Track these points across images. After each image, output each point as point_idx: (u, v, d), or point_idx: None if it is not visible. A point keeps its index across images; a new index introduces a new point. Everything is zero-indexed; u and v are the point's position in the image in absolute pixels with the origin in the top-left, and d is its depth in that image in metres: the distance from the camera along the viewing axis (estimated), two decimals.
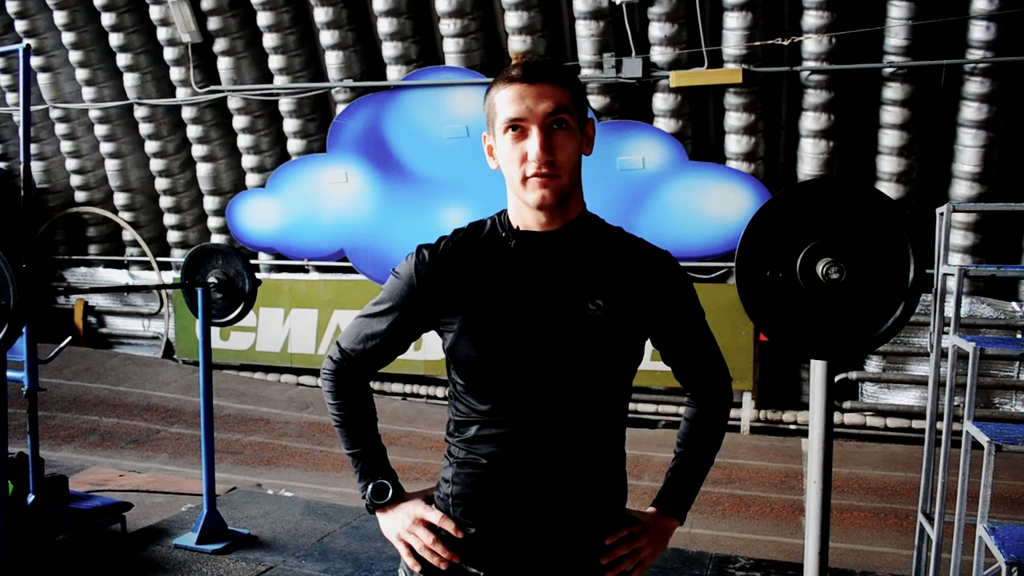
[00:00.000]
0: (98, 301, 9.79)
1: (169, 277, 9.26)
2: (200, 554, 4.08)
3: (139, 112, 8.98)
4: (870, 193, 2.33)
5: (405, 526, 1.56)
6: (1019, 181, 6.76)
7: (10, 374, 3.53)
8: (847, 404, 7.19)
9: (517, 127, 1.45)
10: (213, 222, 9.23)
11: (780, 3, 6.83)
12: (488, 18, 7.69)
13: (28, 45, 4.04)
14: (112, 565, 4.02)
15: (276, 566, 3.99)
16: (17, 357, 3.78)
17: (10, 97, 9.59)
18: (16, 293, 3.10)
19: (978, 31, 6.33)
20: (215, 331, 6.92)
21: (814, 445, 2.46)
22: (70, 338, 4.87)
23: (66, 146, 9.47)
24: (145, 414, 7.52)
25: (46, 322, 8.50)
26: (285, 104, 8.41)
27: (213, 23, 8.25)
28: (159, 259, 9.51)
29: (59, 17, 8.74)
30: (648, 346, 1.60)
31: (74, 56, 8.97)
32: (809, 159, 6.99)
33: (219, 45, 8.37)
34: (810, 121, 6.90)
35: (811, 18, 6.62)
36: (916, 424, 6.84)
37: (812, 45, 6.69)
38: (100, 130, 9.23)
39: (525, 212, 1.51)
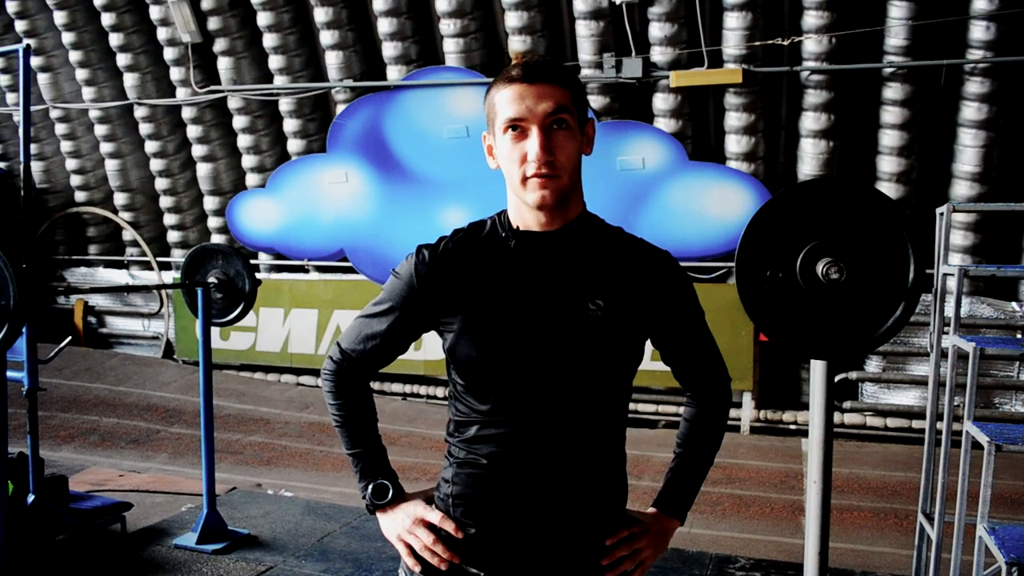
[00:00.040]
0: (98, 301, 9.79)
1: (169, 277, 9.27)
2: (200, 554, 4.08)
3: (139, 112, 8.98)
4: (870, 193, 2.32)
5: (405, 526, 1.56)
6: (1019, 181, 6.76)
7: (10, 374, 3.53)
8: (847, 404, 7.19)
9: (517, 127, 1.45)
10: (213, 222, 9.23)
11: (780, 3, 6.83)
12: (488, 18, 7.69)
13: (28, 45, 4.04)
14: (112, 565, 4.02)
15: (276, 566, 3.99)
16: (17, 357, 3.78)
17: (10, 97, 9.59)
18: (16, 293, 3.10)
19: (978, 31, 6.33)
20: (215, 331, 6.92)
21: (814, 445, 2.46)
22: (70, 338, 4.87)
23: (66, 146, 9.47)
24: (145, 414, 7.52)
25: (46, 322, 8.50)
26: (285, 104, 8.41)
27: (213, 23, 8.25)
28: (159, 259, 9.51)
29: (59, 17, 8.74)
30: (648, 346, 1.60)
31: (74, 56, 8.97)
32: (809, 159, 6.99)
33: (219, 45, 8.37)
34: (810, 121, 6.90)
35: (811, 18, 6.62)
36: (916, 424, 6.84)
37: (812, 45, 6.69)
38: (100, 130, 9.23)
39: (525, 212, 1.51)
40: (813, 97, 6.83)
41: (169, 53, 8.58)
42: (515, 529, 1.50)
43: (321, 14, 7.86)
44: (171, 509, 4.77)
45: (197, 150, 8.95)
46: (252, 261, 8.67)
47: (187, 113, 8.76)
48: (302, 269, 8.84)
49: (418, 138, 8.08)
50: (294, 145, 8.60)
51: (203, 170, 9.00)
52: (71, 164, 9.55)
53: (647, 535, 1.58)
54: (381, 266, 8.15)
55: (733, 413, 7.05)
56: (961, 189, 6.73)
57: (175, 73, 8.66)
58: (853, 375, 7.18)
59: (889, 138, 6.77)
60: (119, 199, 9.53)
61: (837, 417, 7.06)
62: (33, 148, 8.85)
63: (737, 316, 6.34)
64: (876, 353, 7.02)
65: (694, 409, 1.68)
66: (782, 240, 2.30)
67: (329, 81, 8.24)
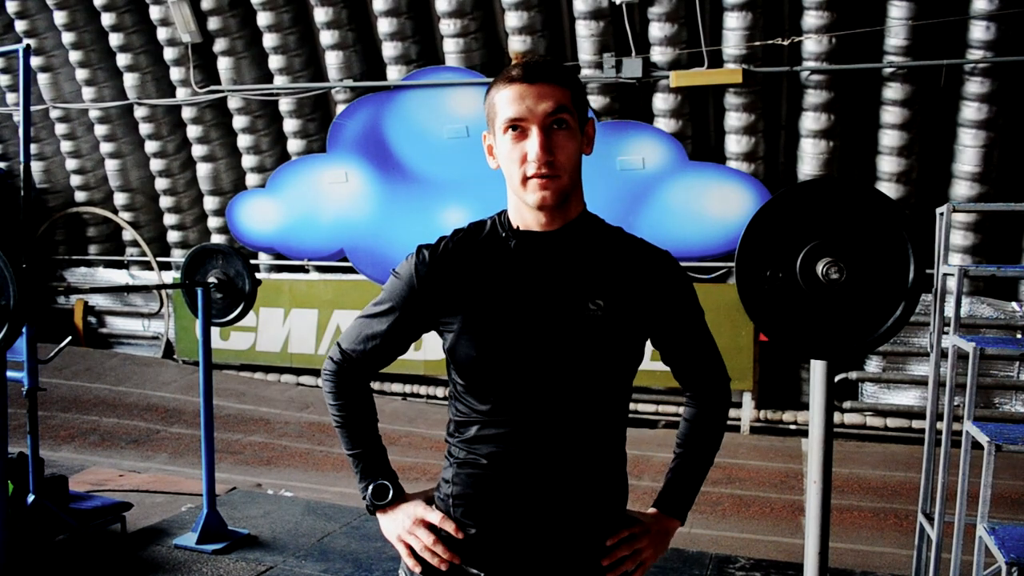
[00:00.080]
0: (98, 301, 9.79)
1: (169, 277, 9.27)
2: (200, 554, 4.08)
3: (139, 112, 8.98)
4: (870, 193, 2.32)
5: (405, 527, 1.56)
6: (1019, 181, 6.76)
7: (10, 374, 3.53)
8: (847, 404, 7.19)
9: (517, 127, 1.45)
10: (213, 222, 9.23)
11: (780, 3, 6.83)
12: (488, 18, 7.69)
13: (28, 45, 4.04)
14: (112, 565, 4.02)
15: (276, 566, 3.99)
16: (17, 357, 3.78)
17: (10, 97, 9.59)
18: (16, 293, 3.10)
19: (978, 31, 6.33)
20: (215, 331, 6.92)
21: (814, 445, 2.46)
22: (70, 338, 4.87)
23: (66, 146, 9.47)
24: (145, 414, 7.52)
25: (46, 322, 8.50)
26: (285, 104, 8.41)
27: (213, 23, 8.25)
28: (159, 259, 9.51)
29: (59, 17, 8.74)
30: (648, 346, 1.60)
31: (74, 56, 8.97)
32: (809, 159, 6.99)
33: (219, 45, 8.37)
34: (810, 121, 6.90)
35: (811, 18, 6.62)
36: (916, 424, 6.84)
37: (812, 45, 6.69)
38: (100, 130, 9.24)
39: (525, 212, 1.51)
40: (813, 97, 6.83)
41: (169, 53, 8.59)
42: (515, 529, 1.50)
43: (321, 14, 7.86)
44: (171, 509, 4.77)
45: (197, 150, 8.95)
46: (252, 261, 8.67)
47: (187, 113, 8.76)
48: (302, 269, 8.84)
49: (418, 138, 8.08)
50: (294, 145, 8.60)
51: (203, 170, 9.00)
52: (71, 164, 9.55)
53: (648, 535, 1.58)
54: (381, 266, 8.15)
55: (733, 413, 7.06)
56: (961, 189, 6.73)
57: (175, 73, 8.66)
58: (853, 375, 7.18)
59: (889, 138, 6.77)
60: (119, 199, 9.53)
61: (837, 417, 7.06)
62: (33, 148, 8.85)
63: (737, 316, 6.35)
64: (876, 353, 7.02)
65: (694, 409, 1.68)
66: (782, 240, 2.30)
67: (329, 81, 8.24)
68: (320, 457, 6.44)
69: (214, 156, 8.94)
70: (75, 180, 9.63)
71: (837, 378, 7.05)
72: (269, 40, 8.16)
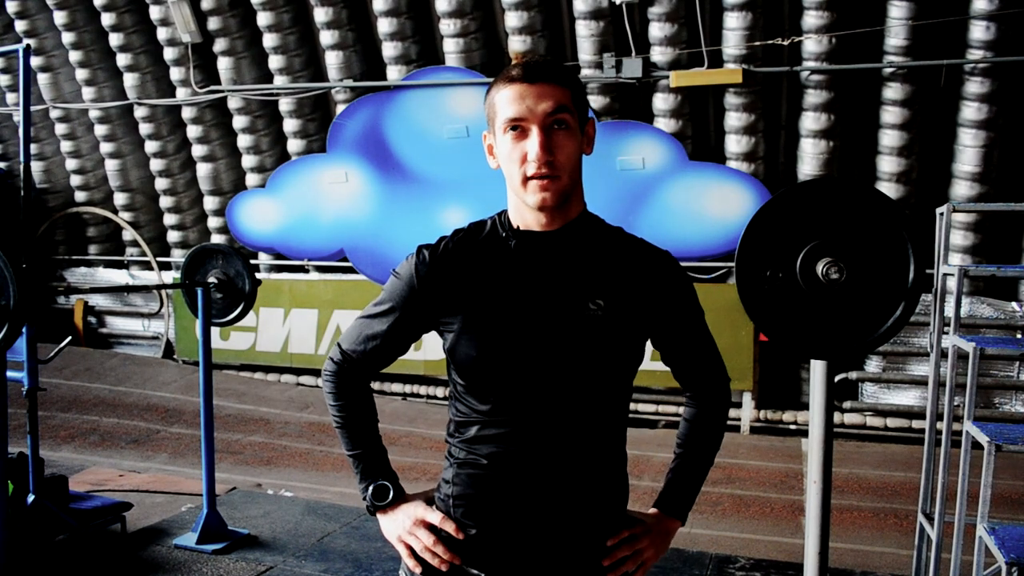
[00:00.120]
0: (98, 301, 9.79)
1: (169, 277, 9.27)
2: (200, 554, 4.08)
3: (139, 112, 8.98)
4: (870, 193, 2.32)
5: (406, 527, 1.56)
6: (1019, 181, 6.76)
7: (10, 374, 3.53)
8: (847, 404, 7.19)
9: (517, 127, 1.45)
10: (213, 222, 9.23)
11: (780, 3, 6.83)
12: (488, 18, 7.69)
13: (28, 45, 4.04)
14: (112, 565, 4.02)
15: (276, 566, 3.99)
16: (17, 357, 3.78)
17: (10, 97, 9.59)
18: (16, 293, 3.10)
19: (978, 31, 6.33)
20: (215, 331, 6.92)
21: (814, 445, 2.46)
22: (70, 338, 4.87)
23: (66, 146, 9.47)
24: (145, 414, 7.52)
25: (46, 322, 8.50)
26: (285, 104, 8.41)
27: (213, 23, 8.25)
28: (159, 259, 9.51)
29: (59, 17, 8.74)
30: (648, 346, 1.60)
31: (74, 56, 8.97)
32: (809, 159, 6.99)
33: (219, 45, 8.37)
34: (810, 121, 6.90)
35: (811, 18, 6.62)
36: (916, 424, 6.84)
37: (812, 45, 6.69)
38: (100, 130, 9.24)
39: (525, 212, 1.51)
40: (813, 97, 6.83)
41: (169, 53, 8.59)
42: (516, 530, 1.50)
43: (321, 14, 7.86)
44: (171, 509, 4.77)
45: (197, 150, 8.95)
46: (252, 261, 8.67)
47: (187, 113, 8.76)
48: (302, 269, 8.84)
49: (418, 138, 8.08)
50: (294, 145, 8.60)
51: (203, 170, 9.00)
52: (71, 164, 9.55)
53: (648, 535, 1.58)
54: (381, 266, 8.15)
55: (733, 413, 7.06)
56: (961, 189, 6.73)
57: (175, 73, 8.66)
58: (853, 375, 7.18)
59: (889, 138, 6.77)
60: (119, 199, 9.53)
61: (837, 417, 7.06)
62: (33, 148, 8.85)
63: (737, 316, 6.34)
64: (876, 353, 7.02)
65: (694, 409, 1.68)
66: (782, 240, 2.30)
67: (329, 81, 8.24)
68: (320, 457, 6.44)
69: (214, 156, 8.94)
70: (75, 180, 9.63)
71: (837, 378, 7.05)
72: (269, 40, 8.16)
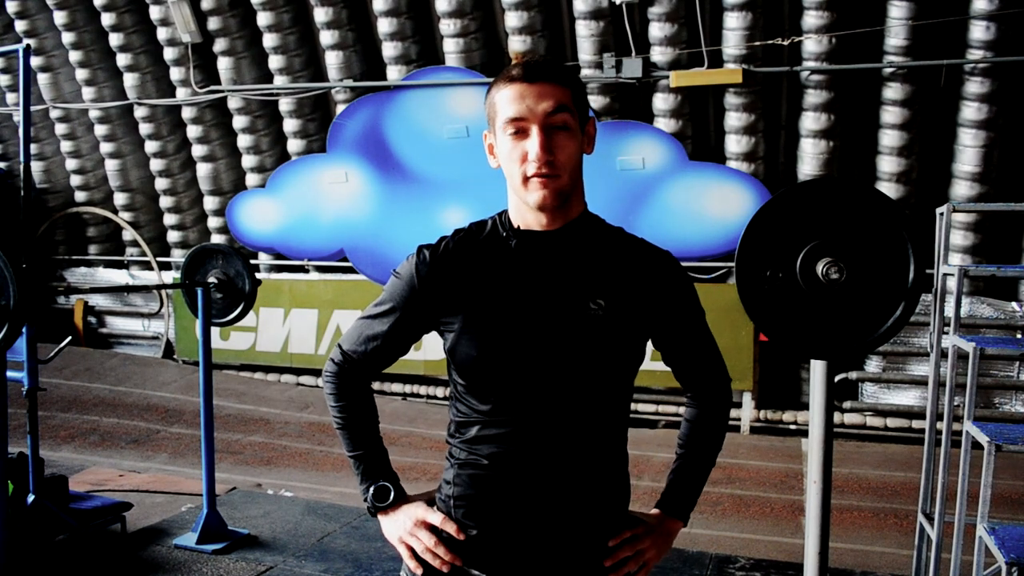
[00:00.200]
0: (98, 301, 9.79)
1: (169, 277, 9.27)
2: (200, 554, 4.08)
3: (139, 112, 8.98)
4: (870, 193, 2.32)
5: (407, 528, 1.56)
6: (1019, 181, 6.76)
7: (10, 374, 3.53)
8: (847, 404, 7.19)
9: (517, 127, 1.45)
10: (213, 222, 9.23)
11: (780, 3, 6.83)
12: (488, 18, 7.69)
13: (28, 45, 4.04)
14: (112, 565, 4.02)
15: (276, 566, 3.99)
16: (17, 357, 3.78)
17: (10, 97, 9.59)
18: (16, 293, 3.10)
19: (978, 31, 6.33)
20: (215, 331, 6.92)
21: (814, 445, 2.46)
22: (70, 338, 4.87)
23: (66, 146, 9.47)
24: (145, 414, 7.52)
25: (46, 322, 8.50)
26: (285, 104, 8.41)
27: (213, 23, 8.25)
28: (159, 259, 9.51)
29: (59, 17, 8.74)
30: (648, 346, 1.60)
31: (74, 56, 8.97)
32: (809, 159, 6.99)
33: (219, 45, 8.37)
34: (810, 121, 6.90)
35: (811, 18, 6.62)
36: (916, 424, 6.84)
37: (812, 45, 6.69)
38: (100, 130, 9.23)
39: (526, 212, 1.51)
40: (813, 97, 6.83)
41: (169, 53, 8.58)
42: (517, 530, 1.50)
43: (321, 14, 7.86)
44: (171, 509, 4.77)
45: (197, 150, 8.95)
46: (252, 261, 8.67)
47: (187, 113, 8.76)
48: (302, 269, 8.85)
49: (418, 138, 8.08)
50: (294, 145, 8.60)
51: (203, 170, 9.00)
52: (71, 164, 9.55)
53: (650, 536, 1.58)
54: (381, 266, 8.15)
55: (733, 413, 7.03)
56: (961, 189, 6.73)
57: (175, 73, 8.66)
58: (853, 375, 7.18)
59: (889, 138, 6.77)
60: (119, 199, 9.53)
61: (837, 417, 7.06)
62: (33, 148, 8.85)
63: (737, 316, 6.33)
64: (876, 353, 7.02)
65: (695, 410, 1.68)
66: (782, 240, 2.30)
67: (329, 81, 8.24)
68: (320, 457, 6.44)
69: (214, 156, 8.94)
70: (75, 180, 9.63)
71: (837, 378, 7.05)
72: (269, 40, 8.16)
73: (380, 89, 8.12)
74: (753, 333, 7.04)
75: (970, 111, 6.54)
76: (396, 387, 8.31)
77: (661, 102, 7.25)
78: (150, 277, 9.41)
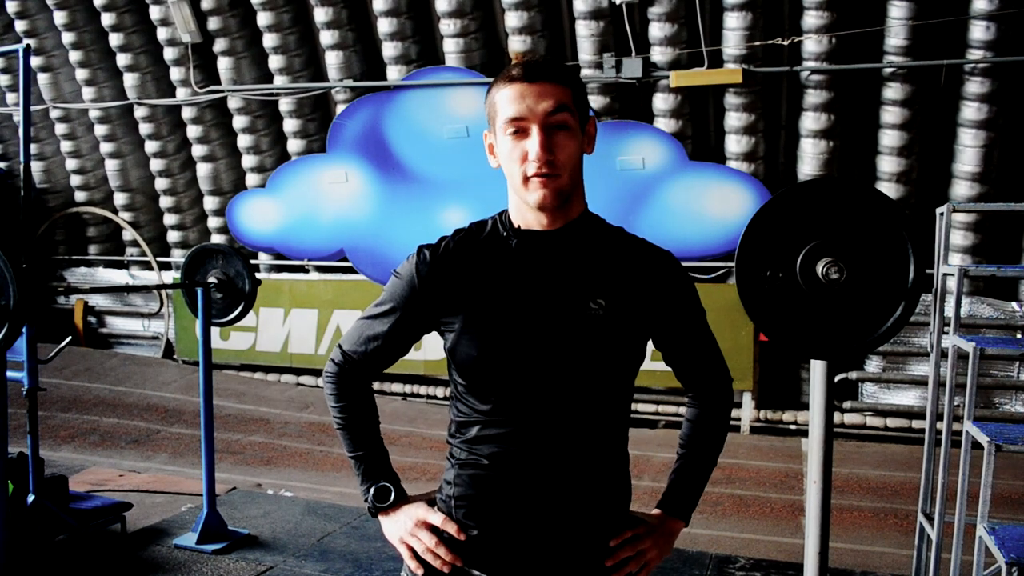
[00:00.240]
0: (98, 301, 9.79)
1: (169, 277, 9.27)
2: (200, 554, 4.08)
3: (139, 112, 8.98)
4: (870, 193, 2.32)
5: (407, 529, 1.56)
6: (1019, 181, 6.76)
7: (10, 374, 3.53)
8: (847, 404, 7.19)
9: (518, 126, 1.45)
10: (213, 222, 9.23)
11: (780, 3, 6.83)
12: (488, 18, 7.69)
13: (28, 45, 4.04)
14: (112, 565, 4.02)
15: (276, 566, 3.99)
16: (17, 357, 3.78)
17: (10, 97, 9.59)
18: (16, 293, 3.10)
19: (978, 31, 6.33)
20: (215, 331, 6.92)
21: (814, 445, 2.46)
22: (70, 338, 4.87)
23: (66, 146, 9.47)
24: (145, 414, 7.52)
25: (46, 322, 8.50)
26: (285, 104, 8.41)
27: (213, 23, 8.25)
28: (159, 259, 9.51)
29: (59, 17, 8.74)
30: (648, 346, 1.60)
31: (74, 56, 8.97)
32: (809, 159, 6.99)
33: (219, 45, 8.37)
34: (810, 121, 6.90)
35: (811, 18, 6.62)
36: (916, 424, 6.84)
37: (812, 45, 6.69)
38: (100, 130, 9.24)
39: (526, 211, 1.51)
40: (813, 97, 6.83)
41: (169, 53, 8.58)
42: (518, 530, 1.49)
43: (321, 14, 7.86)
44: (171, 509, 4.77)
45: (197, 150, 8.95)
46: (252, 261, 8.67)
47: (187, 113, 8.76)
48: (302, 269, 8.84)
49: (418, 138, 8.08)
50: (294, 145, 8.60)
51: (203, 170, 9.00)
52: (71, 164, 9.55)
53: (652, 536, 1.58)
54: (381, 266, 8.15)
55: (733, 413, 7.04)
56: (961, 189, 6.73)
57: (175, 73, 8.66)
58: (853, 375, 7.18)
59: (889, 138, 6.77)
60: (119, 199, 9.53)
61: (837, 417, 7.06)
62: (33, 148, 8.84)
63: (737, 316, 6.33)
64: (876, 353, 7.03)
65: (696, 410, 1.68)
66: (782, 240, 2.30)
67: (329, 81, 8.24)
68: (320, 457, 6.44)
69: (214, 156, 8.94)
70: (75, 180, 9.63)
71: (837, 378, 7.05)
72: (269, 40, 8.16)
73: (380, 89, 8.12)
74: (753, 333, 7.04)
75: (970, 111, 6.54)
76: (396, 387, 8.31)
77: (661, 102, 7.25)
78: (150, 277, 9.41)
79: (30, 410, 3.89)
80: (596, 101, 7.37)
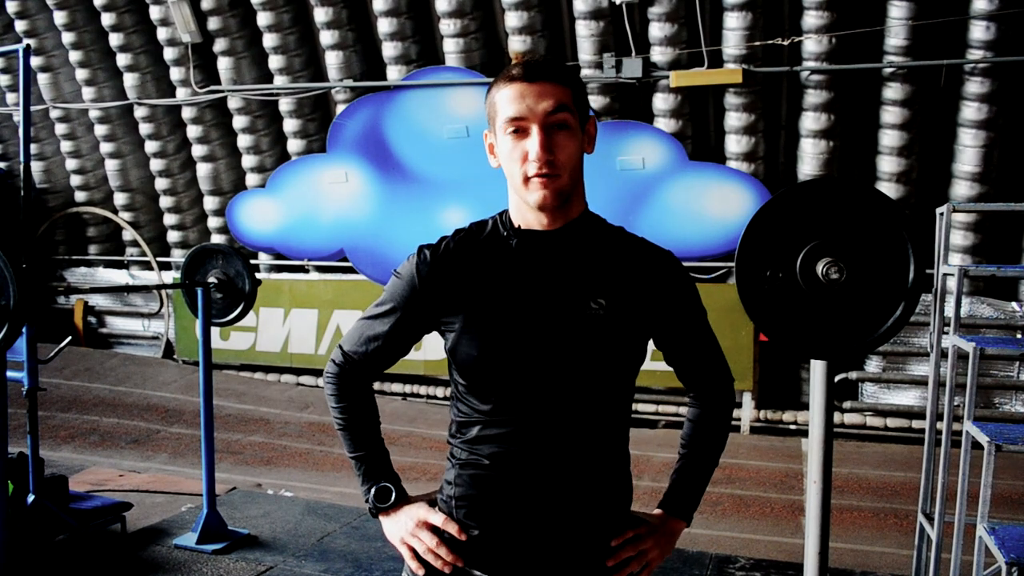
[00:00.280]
0: (98, 301, 9.79)
1: (169, 277, 9.27)
2: (200, 554, 4.08)
3: (139, 112, 8.98)
4: (870, 193, 2.32)
5: (408, 529, 1.56)
6: (1019, 181, 6.76)
7: (10, 374, 3.53)
8: (847, 404, 7.19)
9: (518, 126, 1.44)
10: (213, 222, 9.23)
11: (780, 3, 6.83)
12: (488, 18, 7.69)
13: (28, 45, 4.04)
14: (112, 565, 4.02)
15: (276, 566, 3.99)
16: (17, 357, 3.78)
17: (10, 97, 9.59)
18: (16, 293, 3.10)
19: (978, 31, 6.34)
20: (215, 331, 6.92)
21: (814, 445, 2.46)
22: (70, 338, 4.87)
23: (66, 146, 9.47)
24: (145, 414, 7.52)
25: (46, 322, 8.50)
26: (285, 104, 8.41)
27: (213, 23, 8.25)
28: (159, 259, 9.51)
29: (59, 17, 8.74)
30: (649, 345, 1.59)
31: (74, 56, 8.97)
32: (809, 159, 6.99)
33: (219, 45, 8.37)
34: (810, 121, 6.90)
35: (811, 18, 6.62)
36: (916, 424, 6.84)
37: (812, 45, 6.69)
38: (100, 130, 9.24)
39: (526, 211, 1.51)
40: (813, 97, 6.83)
41: (169, 53, 8.59)
42: (519, 530, 1.49)
43: (321, 14, 7.86)
44: (171, 509, 4.77)
45: (197, 150, 8.95)
46: (252, 261, 8.67)
47: (187, 113, 8.76)
48: (302, 269, 8.85)
49: (418, 138, 8.08)
50: (294, 145, 8.60)
51: (203, 170, 9.00)
52: (71, 164, 9.55)
53: (653, 536, 1.58)
54: (381, 266, 8.15)
55: (733, 413, 7.04)
56: (961, 189, 6.73)
57: (175, 73, 8.66)
58: (853, 375, 7.18)
59: (889, 138, 6.77)
60: (119, 199, 9.53)
61: (837, 417, 7.06)
62: (33, 148, 8.84)
63: (737, 316, 6.33)
64: (876, 353, 7.03)
65: (698, 410, 1.68)
66: (782, 240, 2.30)
67: (329, 81, 8.24)
68: (320, 457, 6.44)
69: (214, 156, 8.94)
70: (75, 180, 9.63)
71: (837, 378, 7.05)
72: (269, 40, 8.16)
73: (380, 89, 8.12)
74: (753, 333, 7.04)
75: (970, 111, 6.54)
76: (396, 387, 8.31)
77: (661, 102, 7.25)
78: (150, 277, 9.41)
79: (30, 410, 3.89)
80: (596, 101, 7.37)
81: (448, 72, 7.80)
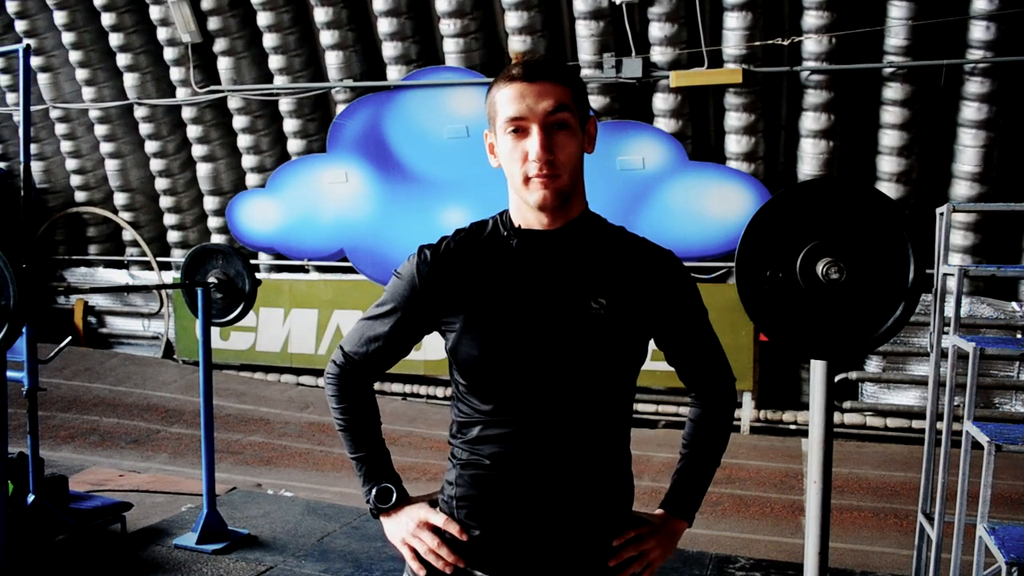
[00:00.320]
0: (98, 301, 9.79)
1: (169, 277, 9.27)
2: (200, 554, 4.08)
3: (139, 112, 8.98)
4: (870, 193, 2.32)
5: (409, 530, 1.56)
6: (1019, 181, 6.76)
7: (10, 374, 3.53)
8: (847, 404, 7.19)
9: (518, 126, 1.44)
10: (213, 222, 9.23)
11: (780, 3, 6.83)
12: (488, 18, 7.69)
13: (28, 45, 4.04)
14: (112, 565, 4.02)
15: (276, 566, 3.99)
16: (17, 357, 3.78)
17: (10, 97, 9.59)
18: (16, 293, 3.10)
19: (978, 31, 6.34)
20: (215, 331, 6.92)
21: (814, 445, 2.46)
22: (70, 338, 4.87)
23: (66, 146, 9.47)
24: (145, 414, 7.52)
25: (46, 322, 8.50)
26: (285, 104, 8.41)
27: (213, 23, 8.25)
28: (159, 259, 9.51)
29: (59, 17, 8.74)
30: (649, 345, 1.59)
31: (74, 56, 8.97)
32: (809, 159, 6.99)
33: (219, 45, 8.37)
34: (810, 121, 6.90)
35: (811, 18, 6.62)
36: (916, 424, 6.84)
37: (812, 45, 6.69)
38: (100, 130, 9.24)
39: (527, 211, 1.50)
40: (813, 97, 6.83)
41: (169, 53, 8.59)
42: (520, 530, 1.49)
43: (321, 14, 7.86)
44: (171, 509, 4.77)
45: (197, 150, 8.95)
46: (252, 261, 8.67)
47: (187, 113, 8.76)
48: (302, 269, 8.85)
49: (418, 138, 8.08)
50: (294, 145, 8.60)
51: (203, 170, 9.00)
52: (71, 164, 9.55)
53: (655, 536, 1.58)
54: (381, 266, 8.15)
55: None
56: (961, 189, 6.73)
57: (175, 73, 8.66)
58: (853, 375, 7.18)
59: (889, 138, 6.77)
60: (119, 199, 9.53)
61: (837, 417, 7.06)
62: (33, 148, 8.84)
63: (737, 316, 6.32)
64: (876, 353, 7.03)
65: (699, 410, 1.67)
66: (782, 240, 2.30)
67: (329, 81, 8.24)
68: (320, 457, 6.44)
69: (214, 156, 8.94)
70: (75, 180, 9.63)
71: (837, 378, 7.05)
72: (269, 40, 8.16)
73: (380, 89, 8.12)
74: (753, 333, 7.04)
75: (970, 111, 6.54)
76: (396, 387, 8.31)
77: (661, 102, 7.25)
78: (150, 277, 9.41)
79: (30, 410, 3.89)
80: (596, 101, 7.37)
81: (448, 72, 7.80)
